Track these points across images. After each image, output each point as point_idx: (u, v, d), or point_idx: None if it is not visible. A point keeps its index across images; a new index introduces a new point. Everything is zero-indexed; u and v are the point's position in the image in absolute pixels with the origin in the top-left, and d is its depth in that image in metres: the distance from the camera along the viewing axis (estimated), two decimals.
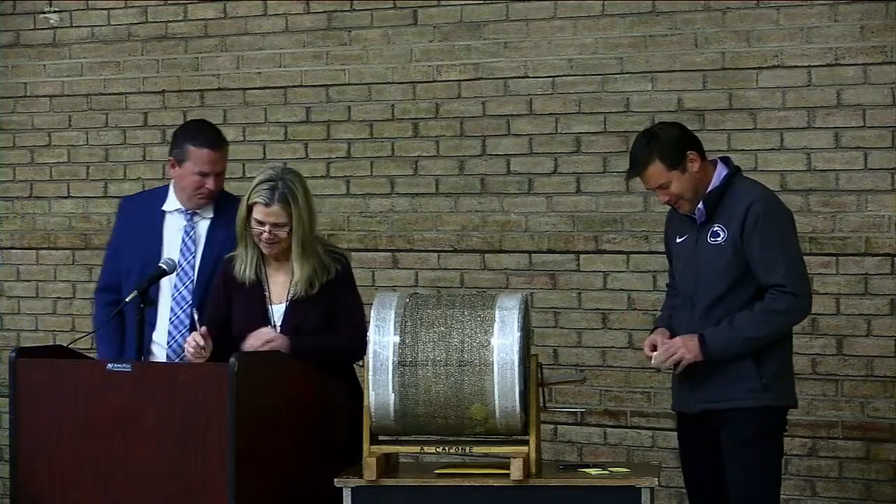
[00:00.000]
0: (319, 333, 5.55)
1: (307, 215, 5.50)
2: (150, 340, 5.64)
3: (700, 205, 5.32)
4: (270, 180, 5.50)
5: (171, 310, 5.72)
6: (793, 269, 5.25)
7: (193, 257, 5.74)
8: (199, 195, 5.72)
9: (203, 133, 5.76)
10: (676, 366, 5.30)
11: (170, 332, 5.71)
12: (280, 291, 5.61)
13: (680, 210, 5.39)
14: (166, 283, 5.69)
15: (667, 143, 5.33)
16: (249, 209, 5.50)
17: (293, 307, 5.57)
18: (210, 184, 5.69)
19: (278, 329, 5.56)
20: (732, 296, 5.26)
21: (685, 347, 5.27)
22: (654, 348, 5.34)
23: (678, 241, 5.45)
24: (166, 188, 5.87)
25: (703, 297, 5.31)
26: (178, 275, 5.68)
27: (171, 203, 5.79)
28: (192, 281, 5.71)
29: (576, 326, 6.94)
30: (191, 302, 5.66)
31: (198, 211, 5.77)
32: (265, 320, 5.59)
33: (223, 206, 5.77)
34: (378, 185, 7.17)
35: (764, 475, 5.32)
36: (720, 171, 5.37)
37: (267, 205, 5.45)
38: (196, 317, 5.47)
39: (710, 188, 5.33)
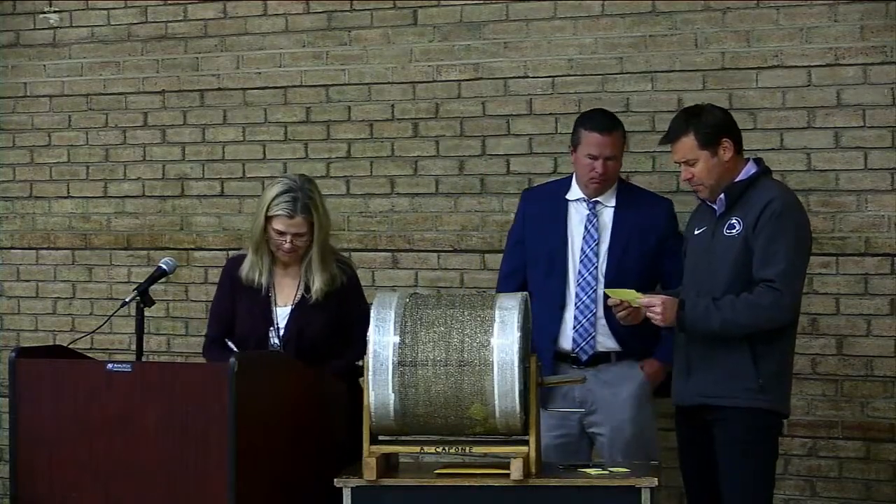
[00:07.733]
0: (324, 340, 5.58)
1: (326, 222, 5.59)
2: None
3: (722, 196, 5.33)
4: (290, 191, 5.53)
5: (577, 295, 5.87)
6: (787, 270, 5.23)
7: (597, 245, 5.88)
8: (591, 179, 5.86)
9: (595, 118, 5.96)
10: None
11: (576, 317, 5.88)
12: (286, 294, 5.63)
13: (698, 194, 5.41)
14: (571, 271, 5.88)
15: (706, 121, 5.37)
16: (268, 220, 5.52)
17: (298, 311, 5.59)
18: (599, 167, 5.83)
19: (281, 332, 5.59)
20: (735, 288, 5.26)
21: (663, 307, 5.29)
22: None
23: (696, 233, 5.48)
24: (570, 178, 6.04)
25: (709, 288, 5.30)
26: (582, 262, 5.87)
27: (574, 192, 5.96)
28: (596, 268, 5.86)
29: None
30: (595, 288, 5.81)
31: (600, 200, 5.92)
32: (268, 322, 5.60)
33: (625, 193, 5.94)
34: (378, 185, 7.17)
35: (756, 476, 5.31)
36: (749, 168, 5.39)
37: (290, 217, 5.51)
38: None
39: (734, 181, 5.34)
